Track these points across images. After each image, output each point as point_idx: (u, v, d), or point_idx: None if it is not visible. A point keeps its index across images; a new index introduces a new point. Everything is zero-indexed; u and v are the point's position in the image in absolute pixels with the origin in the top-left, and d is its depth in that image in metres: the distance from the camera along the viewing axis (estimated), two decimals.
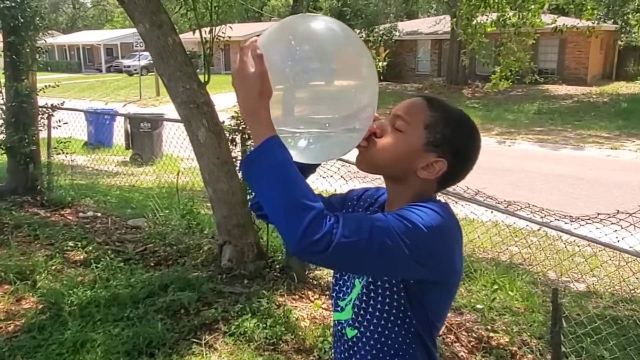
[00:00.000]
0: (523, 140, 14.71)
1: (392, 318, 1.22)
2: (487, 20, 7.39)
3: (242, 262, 4.35)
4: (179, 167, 7.78)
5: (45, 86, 6.58)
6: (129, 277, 4.18)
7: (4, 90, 6.48)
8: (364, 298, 1.26)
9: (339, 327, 1.35)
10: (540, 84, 22.41)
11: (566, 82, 23.14)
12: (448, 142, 1.20)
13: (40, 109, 6.70)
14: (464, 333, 3.66)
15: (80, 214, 6.19)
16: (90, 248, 4.86)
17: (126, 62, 36.44)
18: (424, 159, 1.21)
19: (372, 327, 1.25)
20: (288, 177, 1.06)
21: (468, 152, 1.24)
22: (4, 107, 6.53)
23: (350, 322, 1.30)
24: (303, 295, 4.05)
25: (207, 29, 4.31)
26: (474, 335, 3.65)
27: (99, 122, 12.19)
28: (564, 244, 5.19)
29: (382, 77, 27.23)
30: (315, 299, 4.01)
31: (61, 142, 6.86)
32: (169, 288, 3.93)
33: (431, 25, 26.16)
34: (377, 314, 1.24)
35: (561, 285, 4.75)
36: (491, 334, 3.66)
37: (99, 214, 6.21)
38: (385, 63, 26.95)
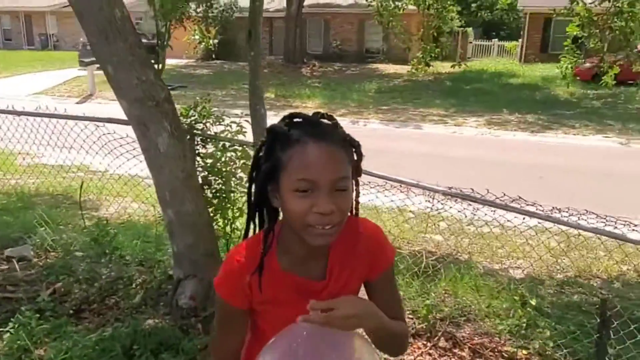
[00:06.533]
0: (374, 120, 15.07)
1: None
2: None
3: (211, 300, 3.44)
4: (81, 179, 5.75)
5: None
6: (61, 342, 3.02)
7: None
8: None
9: None
10: (369, 63, 23.38)
11: (392, 62, 24.48)
12: None
13: None
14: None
15: None
16: None
17: None
18: None
19: None
20: None
21: None
22: None
23: None
24: None
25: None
26: None
27: None
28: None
29: (214, 56, 26.04)
30: None
31: None
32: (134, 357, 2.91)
33: (266, 2, 25.53)
34: None
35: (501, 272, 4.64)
36: None
37: None
38: (216, 41, 25.67)
